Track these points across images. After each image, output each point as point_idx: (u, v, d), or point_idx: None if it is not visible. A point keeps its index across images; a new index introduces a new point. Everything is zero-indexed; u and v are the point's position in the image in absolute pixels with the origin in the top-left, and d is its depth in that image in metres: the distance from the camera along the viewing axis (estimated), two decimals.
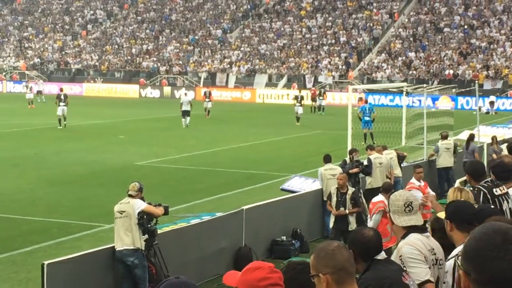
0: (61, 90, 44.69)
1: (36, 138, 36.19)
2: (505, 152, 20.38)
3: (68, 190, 22.82)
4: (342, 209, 15.57)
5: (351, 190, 15.97)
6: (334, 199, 15.78)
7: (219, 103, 62.61)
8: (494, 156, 20.81)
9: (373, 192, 17.99)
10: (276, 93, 67.74)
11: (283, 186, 19.82)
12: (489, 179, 8.79)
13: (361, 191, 18.69)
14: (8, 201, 21.06)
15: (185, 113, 42.40)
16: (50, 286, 10.96)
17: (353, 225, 15.45)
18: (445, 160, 22.94)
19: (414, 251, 5.84)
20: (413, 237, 5.98)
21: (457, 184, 16.04)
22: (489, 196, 8.31)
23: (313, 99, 56.28)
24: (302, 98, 47.47)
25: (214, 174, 26.32)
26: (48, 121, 42.18)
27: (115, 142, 34.82)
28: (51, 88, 73.54)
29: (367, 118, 35.01)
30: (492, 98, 56.78)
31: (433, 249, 6.03)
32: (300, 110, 45.76)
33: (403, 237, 6.03)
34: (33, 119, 44.35)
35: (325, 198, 17.44)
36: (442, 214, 6.84)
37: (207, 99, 49.44)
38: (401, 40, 73.29)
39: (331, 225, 15.93)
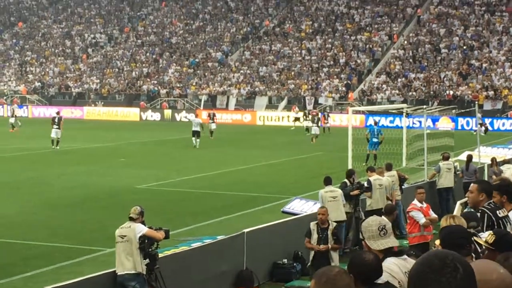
0: (57, 113, 45.09)
1: (36, 162, 36.20)
2: (508, 173, 20.42)
3: (69, 213, 22.81)
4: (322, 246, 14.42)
5: (332, 225, 14.81)
6: (314, 236, 14.46)
7: (220, 126, 62.55)
8: (494, 177, 20.79)
9: (373, 213, 17.97)
10: (277, 115, 67.83)
11: (284, 209, 19.80)
12: (491, 200, 8.73)
13: (361, 213, 18.70)
14: (8, 225, 21.05)
15: (195, 133, 44.13)
16: None
17: (336, 263, 14.24)
18: (446, 180, 22.96)
19: (388, 277, 5.79)
20: (389, 261, 5.95)
21: (457, 205, 15.99)
22: (493, 218, 8.26)
23: (313, 121, 56.28)
24: (319, 119, 50.72)
25: (215, 197, 26.31)
26: (46, 145, 42.18)
27: (116, 165, 34.83)
28: (52, 112, 73.67)
29: (375, 140, 35.05)
30: (479, 116, 56.75)
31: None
32: (317, 130, 48.64)
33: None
34: (32, 143, 44.36)
35: None
36: (438, 242, 6.85)
37: (211, 121, 51.26)
38: (400, 61, 73.49)
39: (309, 263, 14.94)
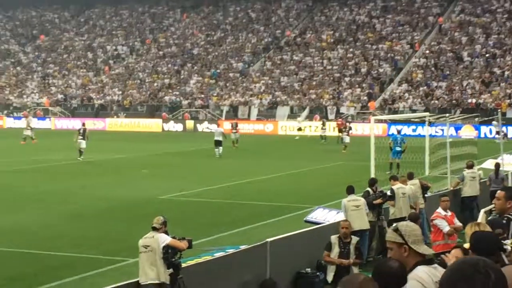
0: (83, 124, 45.19)
1: (60, 173, 36.39)
2: None
3: (92, 224, 22.89)
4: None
5: (355, 239, 14.73)
6: (335, 250, 14.40)
7: (242, 136, 62.63)
8: None
9: (397, 222, 17.90)
10: (298, 125, 67.77)
11: (306, 218, 19.75)
12: None
13: (385, 221, 18.63)
14: (33, 236, 21.16)
15: (218, 143, 44.51)
16: None
17: None
18: (471, 189, 22.86)
19: (418, 286, 5.72)
20: (420, 270, 5.85)
21: (481, 213, 15.87)
22: None
23: (340, 130, 56.20)
24: (350, 128, 52.11)
25: (238, 206, 26.30)
26: (69, 156, 42.41)
27: (138, 177, 34.92)
28: (75, 124, 74.11)
29: (398, 149, 34.99)
30: (495, 124, 56.48)
31: None
32: (347, 139, 49.28)
33: (411, 269, 5.91)
34: (55, 155, 44.60)
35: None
36: (468, 245, 6.79)
37: (234, 130, 52.05)
38: (422, 70, 73.25)
39: (329, 278, 14.76)
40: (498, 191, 9.02)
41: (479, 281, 3.10)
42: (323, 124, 58.44)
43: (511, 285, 3.29)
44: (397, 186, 19.30)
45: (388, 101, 69.73)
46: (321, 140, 55.87)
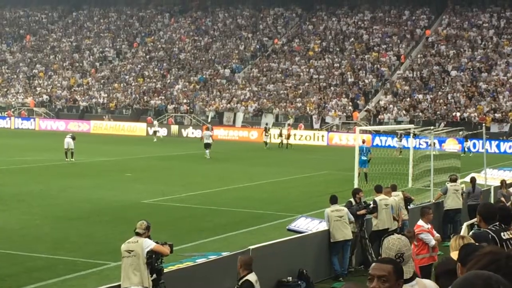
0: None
1: (42, 174, 36.25)
2: None
3: (74, 226, 22.81)
4: None
5: None
6: None
7: (226, 142, 62.77)
8: (503, 199, 20.76)
9: (379, 234, 17.94)
10: (284, 133, 67.76)
11: (289, 226, 19.77)
12: (497, 222, 8.73)
13: (366, 233, 18.66)
14: (13, 237, 21.06)
15: (207, 146, 46.69)
16: None
17: None
18: (454, 202, 22.96)
19: None
20: None
21: (464, 227, 15.94)
22: (497, 240, 8.25)
23: (288, 137, 60.47)
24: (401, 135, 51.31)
25: (221, 213, 26.28)
26: (53, 157, 42.26)
27: (121, 180, 34.85)
28: (59, 125, 74.00)
29: (364, 158, 35.14)
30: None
31: None
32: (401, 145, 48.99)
33: None
34: (40, 155, 44.44)
35: (332, 240, 17.42)
36: (454, 254, 6.78)
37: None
38: (408, 81, 73.54)
39: None
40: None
41: None
42: (266, 131, 60.71)
43: None
44: (380, 197, 19.34)
45: (372, 111, 69.92)
46: (265, 146, 58.32)
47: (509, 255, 3.15)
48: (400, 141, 51.09)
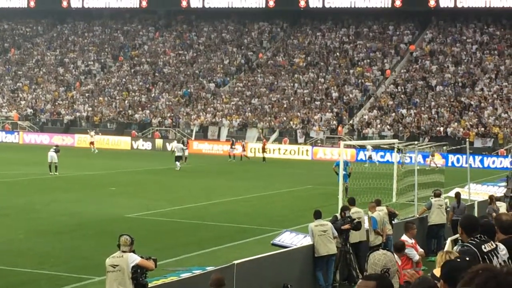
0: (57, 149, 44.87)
1: (26, 188, 36.08)
2: (503, 209, 20.50)
3: (58, 241, 22.70)
4: None
5: None
6: None
7: (211, 156, 62.78)
8: (494, 215, 20.80)
9: (353, 246, 18.16)
10: (268, 147, 67.82)
11: (274, 241, 19.75)
12: (478, 235, 8.73)
13: (350, 248, 18.67)
14: None
15: (178, 158, 48.71)
16: None
17: None
18: (438, 217, 23.02)
19: None
20: None
21: (448, 242, 15.99)
22: (478, 254, 8.26)
23: (264, 150, 61.80)
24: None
25: (205, 227, 26.24)
26: (37, 171, 42.10)
27: (106, 194, 34.74)
28: (43, 139, 73.71)
29: (343, 172, 35.16)
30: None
31: None
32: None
33: None
34: (23, 169, 44.25)
35: (316, 254, 17.42)
36: (437, 271, 6.80)
37: (184, 147, 53.36)
38: (392, 96, 73.81)
39: None
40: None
41: None
42: (233, 144, 61.66)
43: None
44: (353, 210, 19.37)
45: (357, 126, 70.11)
46: (229, 159, 59.46)
47: (508, 271, 3.19)
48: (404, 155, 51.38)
